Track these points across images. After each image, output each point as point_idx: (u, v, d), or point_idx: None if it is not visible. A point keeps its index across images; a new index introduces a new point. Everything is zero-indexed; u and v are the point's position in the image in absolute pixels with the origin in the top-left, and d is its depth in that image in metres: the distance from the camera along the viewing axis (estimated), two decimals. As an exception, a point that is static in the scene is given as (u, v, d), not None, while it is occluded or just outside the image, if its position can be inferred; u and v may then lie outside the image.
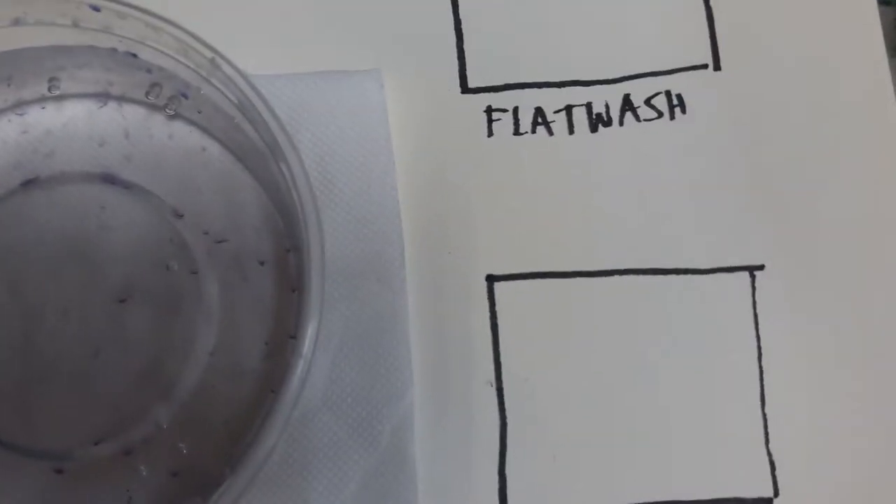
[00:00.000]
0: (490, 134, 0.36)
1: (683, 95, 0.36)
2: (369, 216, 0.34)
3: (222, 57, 0.29)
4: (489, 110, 0.36)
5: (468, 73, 0.36)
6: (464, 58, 0.36)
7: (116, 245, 0.33)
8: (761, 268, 0.35)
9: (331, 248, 0.34)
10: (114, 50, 0.32)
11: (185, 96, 0.33)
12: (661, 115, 0.36)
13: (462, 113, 0.36)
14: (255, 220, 0.33)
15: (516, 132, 0.36)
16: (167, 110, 0.33)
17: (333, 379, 0.33)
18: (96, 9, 0.29)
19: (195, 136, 0.33)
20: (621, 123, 0.36)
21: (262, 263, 0.33)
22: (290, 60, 0.35)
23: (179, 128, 0.33)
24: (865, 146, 0.36)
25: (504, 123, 0.36)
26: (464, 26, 0.36)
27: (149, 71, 0.32)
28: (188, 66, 0.31)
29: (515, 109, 0.36)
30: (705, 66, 0.36)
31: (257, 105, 0.29)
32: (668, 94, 0.36)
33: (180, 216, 0.33)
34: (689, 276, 0.35)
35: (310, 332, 0.29)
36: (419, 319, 0.34)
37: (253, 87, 0.29)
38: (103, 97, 0.33)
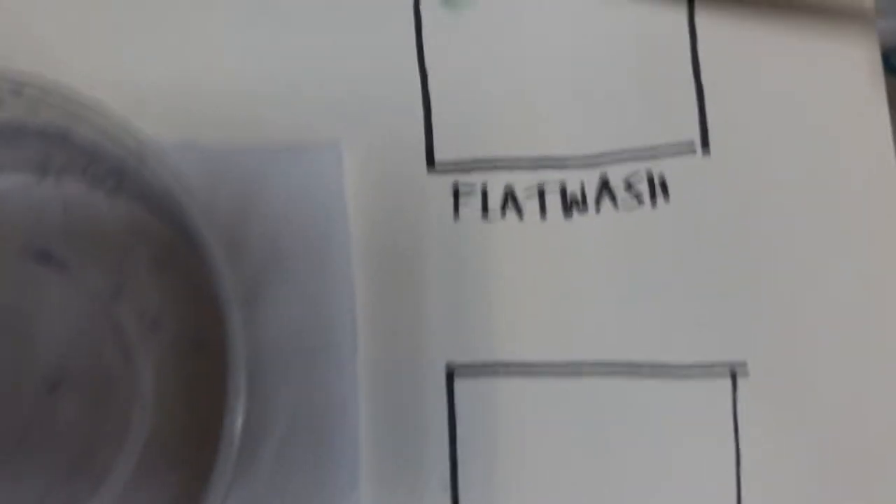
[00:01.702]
0: (457, 216, 0.33)
1: (667, 179, 0.33)
2: (322, 299, 0.32)
3: (146, 144, 0.28)
4: (456, 190, 0.33)
5: (436, 147, 0.33)
6: (431, 131, 0.34)
7: (48, 327, 0.31)
8: (743, 364, 0.32)
9: (280, 329, 0.32)
10: (47, 126, 0.30)
11: (125, 173, 0.31)
12: (641, 201, 0.33)
13: (427, 192, 0.33)
14: (192, 302, 0.31)
15: (484, 215, 0.33)
16: (107, 186, 0.31)
17: (276, 470, 0.31)
18: (17, 93, 0.27)
19: (135, 214, 0.31)
20: (598, 210, 0.33)
21: (199, 348, 0.31)
22: (245, 129, 0.33)
23: (119, 205, 0.31)
24: (868, 237, 0.33)
25: (472, 205, 0.33)
26: (433, 96, 0.34)
27: (85, 148, 0.30)
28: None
29: (484, 191, 0.33)
30: (692, 147, 0.34)
31: (177, 195, 0.27)
32: (650, 177, 0.33)
33: (116, 298, 0.31)
34: (664, 378, 0.32)
35: (237, 422, 0.28)
36: (371, 409, 0.32)
37: (175, 176, 0.28)
38: (41, 171, 0.31)
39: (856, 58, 0.34)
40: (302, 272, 0.31)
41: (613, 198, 0.33)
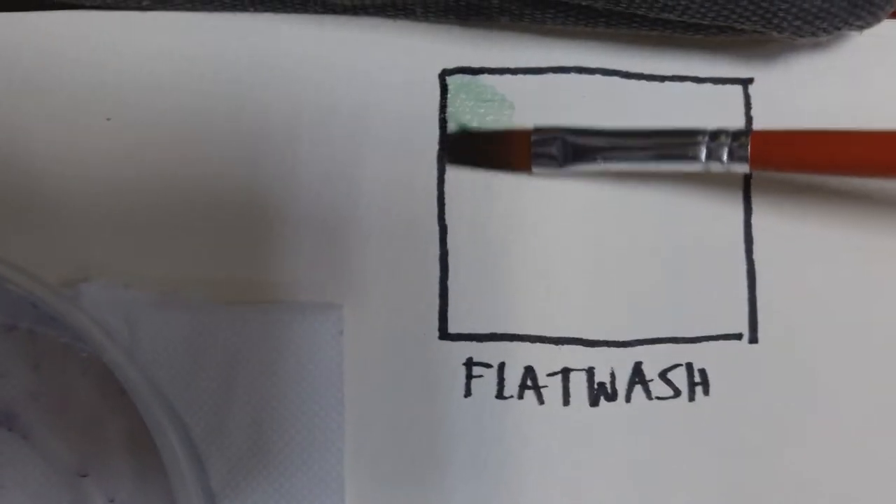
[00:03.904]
0: (468, 393, 0.30)
1: (708, 371, 0.30)
2: (307, 485, 0.28)
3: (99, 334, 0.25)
4: (469, 364, 0.30)
5: (450, 314, 0.30)
6: (447, 295, 0.30)
7: (6, 495, 0.28)
8: None
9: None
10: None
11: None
12: (678, 393, 0.30)
13: (437, 363, 0.30)
14: (167, 485, 0.27)
15: (500, 395, 0.30)
16: (82, 346, 0.28)
17: None
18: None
19: (114, 378, 0.28)
20: (628, 399, 0.30)
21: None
22: (242, 285, 0.30)
23: (97, 365, 0.28)
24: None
25: (486, 382, 0.30)
26: (451, 259, 0.30)
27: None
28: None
29: (501, 366, 0.30)
30: (738, 337, 0.30)
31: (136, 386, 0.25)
32: (689, 367, 0.30)
33: (84, 476, 0.28)
34: None
35: None
36: None
37: (134, 367, 0.25)
38: (10, 322, 0.28)
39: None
40: (288, 453, 0.28)
41: (647, 388, 0.30)
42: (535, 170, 0.30)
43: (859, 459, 0.30)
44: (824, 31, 0.27)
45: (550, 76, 0.31)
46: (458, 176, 0.31)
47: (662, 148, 0.29)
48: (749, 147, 0.28)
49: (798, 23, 0.27)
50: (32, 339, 0.28)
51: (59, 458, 0.28)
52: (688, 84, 0.31)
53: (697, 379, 0.30)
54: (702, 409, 0.30)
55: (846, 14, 0.27)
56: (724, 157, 0.28)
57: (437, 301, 0.30)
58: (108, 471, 0.28)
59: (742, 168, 0.28)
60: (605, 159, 0.29)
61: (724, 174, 0.29)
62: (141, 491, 0.28)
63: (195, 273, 0.30)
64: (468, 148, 0.30)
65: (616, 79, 0.31)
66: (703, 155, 0.28)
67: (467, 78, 0.31)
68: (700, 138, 0.28)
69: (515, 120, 0.31)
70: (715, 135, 0.28)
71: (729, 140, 0.28)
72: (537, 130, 0.30)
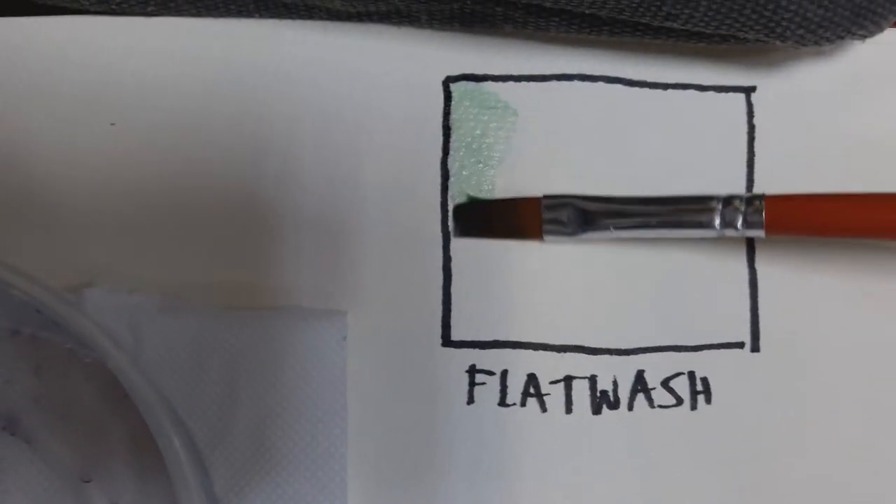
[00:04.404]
0: (471, 400, 0.30)
1: (710, 380, 0.30)
2: (310, 490, 0.28)
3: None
4: (472, 371, 0.30)
5: (453, 321, 0.30)
6: (450, 303, 0.30)
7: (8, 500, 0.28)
8: None
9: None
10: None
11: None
12: (679, 401, 0.30)
13: (440, 370, 0.30)
14: (170, 490, 0.27)
15: (502, 402, 0.30)
16: (85, 352, 0.28)
17: None
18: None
19: (117, 383, 0.28)
20: (630, 407, 0.30)
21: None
22: (246, 290, 0.30)
23: (100, 370, 0.28)
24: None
25: (489, 389, 0.30)
26: (454, 266, 0.30)
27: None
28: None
29: (504, 374, 0.30)
30: (740, 346, 0.30)
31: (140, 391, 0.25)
32: (691, 375, 0.30)
33: (87, 481, 0.28)
34: None
35: None
36: None
37: (137, 372, 0.26)
38: (14, 327, 0.28)
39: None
40: (291, 468, 0.28)
41: (649, 396, 0.30)
42: (546, 238, 0.30)
43: (860, 467, 0.30)
44: (827, 40, 0.27)
45: (554, 83, 0.31)
46: (460, 183, 0.31)
47: (676, 214, 0.29)
48: (764, 213, 0.28)
49: (801, 32, 0.27)
50: (36, 344, 0.29)
51: (62, 463, 0.28)
52: (691, 92, 0.31)
53: (699, 387, 0.30)
54: (704, 417, 0.30)
55: (849, 23, 0.27)
56: (739, 224, 0.28)
57: (440, 308, 0.30)
58: (111, 476, 0.28)
59: (758, 234, 0.28)
60: (618, 227, 0.29)
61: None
62: (144, 496, 0.28)
63: (199, 278, 0.30)
64: (476, 218, 0.30)
65: (619, 86, 0.31)
66: (717, 223, 0.28)
67: (471, 85, 0.31)
68: (714, 204, 0.28)
69: (519, 127, 0.31)
70: (728, 200, 0.28)
71: (743, 206, 0.28)
72: (546, 198, 0.30)
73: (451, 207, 0.30)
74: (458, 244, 0.30)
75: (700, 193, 0.29)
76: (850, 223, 0.28)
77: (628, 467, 0.30)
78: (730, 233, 0.28)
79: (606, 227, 0.29)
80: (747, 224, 0.28)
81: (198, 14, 0.30)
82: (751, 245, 0.30)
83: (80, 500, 0.28)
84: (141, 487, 0.28)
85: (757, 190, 0.31)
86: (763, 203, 0.28)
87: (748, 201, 0.28)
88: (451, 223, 0.30)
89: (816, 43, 0.28)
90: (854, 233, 0.28)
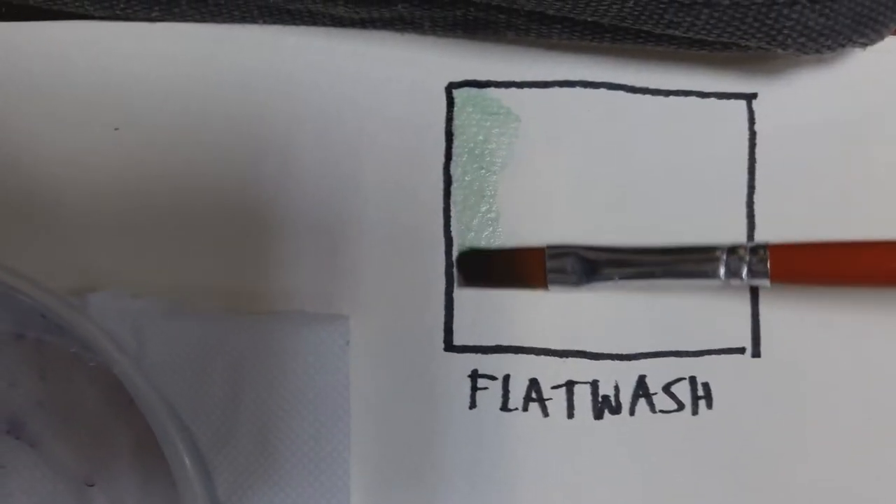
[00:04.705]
0: (473, 405, 0.30)
1: (711, 385, 0.30)
2: (313, 494, 0.29)
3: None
4: (474, 376, 0.30)
5: (455, 326, 0.30)
6: (452, 307, 0.30)
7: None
8: None
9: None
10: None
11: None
12: (681, 406, 0.30)
13: (442, 375, 0.30)
14: (174, 494, 0.27)
15: (504, 407, 0.30)
16: (90, 356, 0.28)
17: None
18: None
19: (121, 388, 0.28)
20: (632, 412, 0.30)
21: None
22: (250, 295, 0.30)
23: (105, 374, 0.28)
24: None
25: (491, 394, 0.30)
26: (456, 270, 0.30)
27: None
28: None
29: (506, 379, 0.30)
30: (742, 351, 0.30)
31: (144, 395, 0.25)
32: (692, 381, 0.30)
33: (91, 485, 0.28)
34: None
35: None
36: None
37: (141, 376, 0.26)
38: (19, 332, 0.28)
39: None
40: (294, 472, 0.28)
41: (650, 401, 0.30)
42: (551, 287, 0.30)
43: (861, 472, 0.30)
44: (828, 48, 0.28)
45: (556, 90, 0.31)
46: (463, 188, 0.31)
47: (681, 264, 0.29)
48: (769, 263, 0.28)
49: (802, 40, 0.27)
50: (40, 348, 0.29)
51: (67, 467, 0.28)
52: (692, 98, 0.31)
53: (701, 392, 0.30)
54: (705, 422, 0.30)
55: (850, 31, 0.27)
56: (744, 275, 0.28)
57: (442, 313, 0.30)
58: (115, 479, 0.28)
59: (763, 283, 0.28)
60: (622, 277, 0.29)
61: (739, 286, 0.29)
62: (147, 499, 0.28)
63: (203, 282, 0.30)
64: (480, 268, 0.30)
65: (621, 93, 0.31)
66: (722, 273, 0.28)
67: (474, 91, 0.31)
68: (718, 254, 0.29)
69: (521, 133, 0.31)
70: (732, 250, 0.29)
71: (747, 255, 0.28)
72: (550, 248, 0.30)
73: (454, 256, 0.30)
74: (459, 247, 0.30)
75: (703, 243, 0.29)
76: (856, 272, 0.28)
77: (630, 472, 0.30)
78: (735, 282, 0.29)
79: (611, 278, 0.29)
80: (752, 274, 0.28)
81: (202, 20, 0.30)
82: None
83: (85, 501, 0.28)
84: (144, 491, 0.28)
85: (758, 201, 0.31)
86: (767, 252, 0.28)
87: (752, 251, 0.28)
88: (455, 273, 0.30)
89: (817, 51, 0.28)
90: (860, 282, 0.28)
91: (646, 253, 0.30)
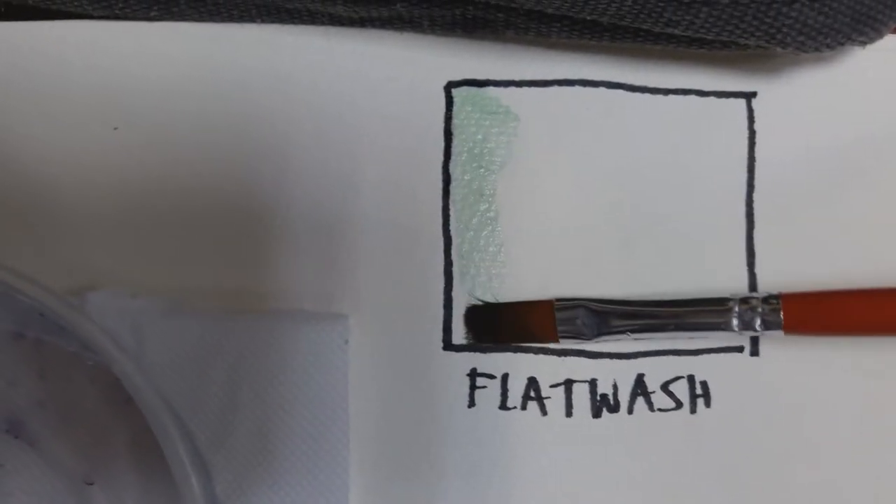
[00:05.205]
0: (472, 404, 0.30)
1: (709, 383, 0.30)
2: (312, 493, 0.29)
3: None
4: (473, 374, 0.30)
5: (454, 325, 0.30)
6: (451, 306, 0.30)
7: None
8: None
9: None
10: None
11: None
12: (679, 405, 0.30)
13: (441, 374, 0.30)
14: (172, 493, 0.28)
15: (503, 406, 0.30)
16: (89, 355, 0.28)
17: None
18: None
19: (120, 387, 0.28)
20: (630, 411, 0.30)
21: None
22: (249, 294, 0.30)
23: (104, 373, 0.28)
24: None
25: (490, 393, 0.30)
26: (455, 269, 0.30)
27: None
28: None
29: (505, 377, 0.30)
30: (740, 350, 0.30)
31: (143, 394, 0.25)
32: (690, 379, 0.30)
33: (90, 484, 0.28)
34: None
35: None
36: None
37: (140, 375, 0.26)
38: (18, 331, 0.28)
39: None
40: (293, 471, 0.28)
41: (648, 399, 0.30)
42: (562, 341, 0.30)
43: (860, 472, 0.30)
44: (827, 46, 0.28)
45: (555, 89, 0.31)
46: (462, 188, 0.31)
47: (693, 316, 0.29)
48: (782, 314, 0.28)
49: (802, 38, 0.27)
50: (39, 347, 0.29)
51: (66, 466, 0.28)
52: (692, 97, 0.31)
53: (699, 391, 0.30)
54: (703, 421, 0.30)
55: (849, 30, 0.27)
56: (758, 326, 0.28)
57: (441, 312, 0.30)
58: (114, 479, 0.28)
59: (776, 335, 0.29)
60: (634, 331, 0.29)
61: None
62: (146, 498, 0.28)
63: (202, 282, 0.30)
64: (489, 322, 0.30)
65: (620, 91, 0.31)
66: (735, 325, 0.29)
67: (473, 90, 0.31)
68: (731, 305, 0.29)
69: (520, 132, 0.31)
70: (745, 300, 0.29)
71: (760, 305, 0.28)
72: (558, 301, 0.30)
73: (460, 307, 0.30)
74: (457, 246, 0.30)
75: (715, 296, 0.29)
76: (871, 322, 0.28)
77: (628, 470, 0.30)
78: (748, 333, 0.29)
79: (623, 331, 0.29)
80: (765, 325, 0.28)
81: (200, 19, 0.30)
82: (750, 251, 0.30)
83: (84, 502, 0.28)
84: (143, 490, 0.28)
85: (758, 199, 0.31)
86: (780, 303, 0.28)
87: (765, 300, 0.28)
88: (463, 329, 0.30)
89: (817, 49, 0.28)
90: (876, 331, 0.29)
91: (657, 305, 0.29)
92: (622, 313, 0.29)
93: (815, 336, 0.30)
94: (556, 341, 0.30)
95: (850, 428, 0.30)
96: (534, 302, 0.30)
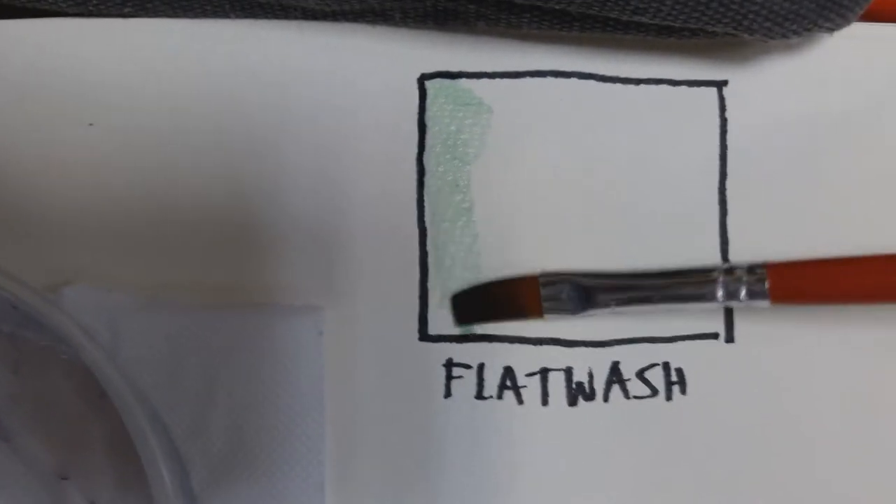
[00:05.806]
0: (448, 394, 0.30)
1: (685, 371, 0.30)
2: (288, 485, 0.29)
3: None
4: (449, 365, 0.30)
5: (430, 316, 0.30)
6: (426, 297, 0.30)
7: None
8: None
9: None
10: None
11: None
12: (655, 392, 0.30)
13: (417, 364, 0.30)
14: (148, 487, 0.27)
15: (479, 395, 0.30)
16: (63, 348, 0.28)
17: None
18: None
19: (95, 381, 0.28)
20: (606, 398, 0.30)
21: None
22: (224, 288, 0.30)
23: (78, 368, 0.28)
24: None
25: (466, 383, 0.30)
26: (430, 260, 0.30)
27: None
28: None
29: (481, 367, 0.30)
30: (715, 336, 0.30)
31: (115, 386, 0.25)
32: (665, 366, 0.30)
33: (65, 478, 0.28)
34: None
35: None
36: None
37: (115, 369, 0.26)
38: (-8, 325, 0.28)
39: None
40: (269, 463, 0.28)
41: (624, 387, 0.30)
42: (547, 316, 0.30)
43: (836, 457, 0.30)
44: (794, 32, 0.28)
45: (528, 80, 0.31)
46: (436, 179, 0.31)
47: (677, 288, 0.29)
48: (767, 283, 0.28)
49: (768, 24, 0.27)
50: (13, 342, 0.29)
51: (40, 461, 0.28)
52: (663, 87, 0.31)
53: (674, 378, 0.30)
54: (679, 407, 0.30)
55: (815, 16, 0.27)
56: (742, 296, 0.28)
57: (416, 303, 0.30)
58: (89, 473, 0.28)
59: (763, 305, 0.28)
60: (619, 304, 0.29)
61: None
62: (122, 493, 0.28)
63: (177, 277, 0.30)
64: (476, 304, 0.30)
65: (592, 82, 0.31)
66: (719, 295, 0.29)
67: (446, 82, 0.31)
68: (715, 275, 0.29)
69: (493, 123, 0.31)
70: (729, 270, 0.29)
71: (745, 275, 0.28)
72: (543, 275, 0.30)
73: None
74: (432, 237, 0.30)
75: (700, 265, 0.29)
76: (858, 290, 0.28)
77: (604, 458, 0.30)
78: (733, 304, 0.29)
79: (607, 304, 0.29)
80: (751, 295, 0.28)
81: (174, 15, 0.31)
82: (723, 238, 0.31)
83: (58, 497, 0.28)
84: (119, 484, 0.28)
85: (730, 187, 0.31)
86: (766, 272, 0.28)
87: (749, 269, 0.28)
88: (450, 313, 0.30)
89: (784, 36, 0.28)
90: (863, 299, 0.29)
91: (641, 277, 0.30)
92: (607, 286, 0.29)
93: (800, 306, 0.29)
94: (542, 317, 0.30)
95: (825, 414, 0.30)
96: (518, 278, 0.30)
